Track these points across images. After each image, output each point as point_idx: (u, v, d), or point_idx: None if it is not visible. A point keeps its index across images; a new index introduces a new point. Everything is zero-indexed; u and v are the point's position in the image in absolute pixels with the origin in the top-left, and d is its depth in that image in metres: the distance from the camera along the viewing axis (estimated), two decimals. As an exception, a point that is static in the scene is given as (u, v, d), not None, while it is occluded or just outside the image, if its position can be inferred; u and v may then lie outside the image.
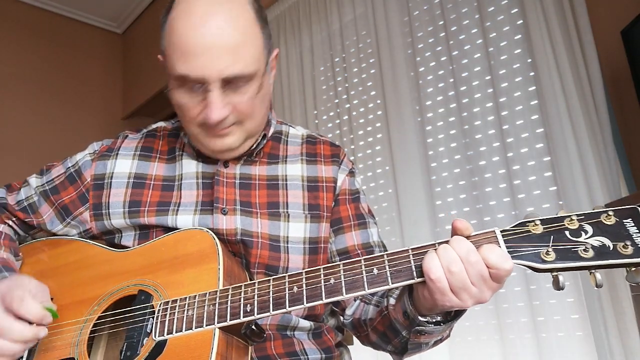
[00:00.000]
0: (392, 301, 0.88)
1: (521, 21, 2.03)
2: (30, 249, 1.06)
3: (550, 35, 1.87)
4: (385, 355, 0.99)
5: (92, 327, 0.88)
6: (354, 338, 1.12)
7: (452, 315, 0.80)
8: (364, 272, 0.73)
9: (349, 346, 1.12)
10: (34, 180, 1.08)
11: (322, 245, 1.01)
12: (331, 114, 2.76)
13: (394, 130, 2.36)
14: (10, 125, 3.58)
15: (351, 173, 1.09)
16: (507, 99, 2.02)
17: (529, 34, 1.95)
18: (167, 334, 0.80)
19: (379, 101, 2.49)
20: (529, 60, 1.98)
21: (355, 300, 1.02)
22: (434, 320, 0.79)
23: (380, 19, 2.49)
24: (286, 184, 1.02)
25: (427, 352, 0.92)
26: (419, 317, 0.78)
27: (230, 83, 0.87)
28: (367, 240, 1.04)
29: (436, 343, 0.88)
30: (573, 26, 1.83)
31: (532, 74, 1.97)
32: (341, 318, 1.06)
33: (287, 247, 0.96)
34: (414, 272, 0.72)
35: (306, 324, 0.97)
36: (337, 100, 2.71)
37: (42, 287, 0.87)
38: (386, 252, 0.75)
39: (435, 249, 0.71)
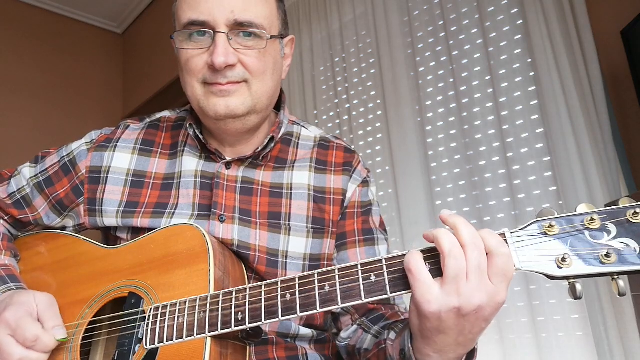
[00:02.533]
0: (392, 335, 0.80)
1: (521, 21, 2.03)
2: (22, 243, 1.02)
3: (550, 35, 1.87)
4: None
5: (85, 332, 0.85)
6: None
7: None
8: (360, 278, 0.67)
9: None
10: (27, 170, 1.01)
11: (325, 262, 0.94)
12: (331, 114, 2.76)
13: (394, 130, 2.36)
14: (10, 125, 3.58)
15: (364, 183, 1.01)
16: (507, 99, 2.02)
17: (529, 34, 1.95)
18: (159, 342, 0.77)
19: (379, 101, 2.49)
20: (529, 60, 1.98)
21: (352, 325, 0.95)
22: None
23: (380, 19, 2.49)
24: (291, 193, 0.95)
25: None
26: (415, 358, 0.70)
27: (238, 31, 0.85)
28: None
29: None
30: (573, 26, 1.83)
31: (532, 74, 1.97)
32: (335, 338, 0.99)
33: (286, 262, 0.91)
34: None
35: (307, 332, 0.93)
36: (337, 100, 2.71)
37: (49, 302, 0.84)
38: (385, 257, 0.68)
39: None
